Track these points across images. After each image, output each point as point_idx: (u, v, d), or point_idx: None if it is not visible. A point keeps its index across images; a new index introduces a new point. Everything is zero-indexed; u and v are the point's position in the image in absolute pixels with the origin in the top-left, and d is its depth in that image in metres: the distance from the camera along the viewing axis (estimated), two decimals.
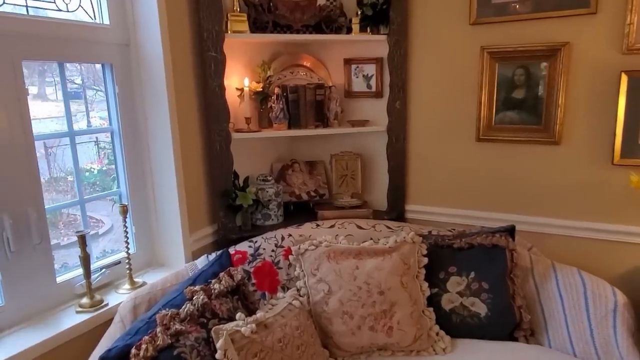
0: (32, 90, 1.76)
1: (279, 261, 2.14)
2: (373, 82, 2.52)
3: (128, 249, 1.95)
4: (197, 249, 2.24)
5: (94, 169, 2.13)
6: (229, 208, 2.29)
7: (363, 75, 2.54)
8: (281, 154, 2.74)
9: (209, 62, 2.15)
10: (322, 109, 2.46)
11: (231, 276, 1.81)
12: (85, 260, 1.78)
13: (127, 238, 1.95)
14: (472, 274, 2.05)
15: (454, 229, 2.33)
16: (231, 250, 2.13)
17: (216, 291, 1.72)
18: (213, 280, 1.76)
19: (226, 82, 2.21)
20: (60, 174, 1.97)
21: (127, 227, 1.94)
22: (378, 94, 2.52)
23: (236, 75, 2.39)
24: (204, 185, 2.28)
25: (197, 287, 1.71)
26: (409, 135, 2.50)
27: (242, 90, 2.39)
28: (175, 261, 2.19)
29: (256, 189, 2.38)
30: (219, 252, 2.01)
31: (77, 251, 1.78)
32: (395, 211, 2.56)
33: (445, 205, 2.50)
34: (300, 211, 2.63)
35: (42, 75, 1.89)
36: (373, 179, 2.64)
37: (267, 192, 2.40)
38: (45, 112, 1.84)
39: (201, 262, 2.06)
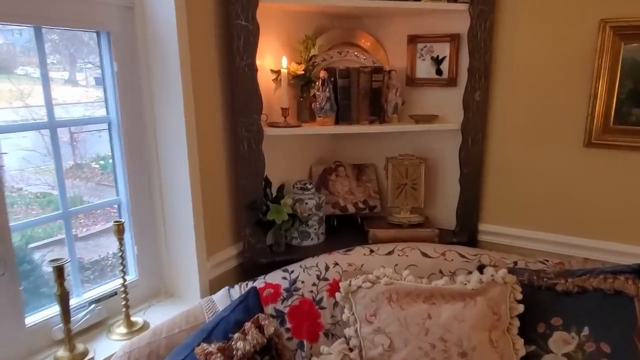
0: None
1: (321, 299, 1.63)
2: (445, 66, 1.96)
3: (125, 280, 1.47)
4: (216, 276, 1.74)
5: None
6: (257, 224, 1.78)
7: (432, 58, 1.98)
8: (322, 155, 2.21)
9: (237, 34, 1.63)
10: (379, 99, 1.92)
11: (260, 328, 1.30)
12: (63, 299, 1.30)
13: (124, 266, 1.46)
14: (586, 331, 1.49)
15: (547, 260, 1.78)
16: (260, 282, 1.63)
17: (239, 353, 1.22)
18: (236, 335, 1.26)
19: (258, 62, 1.70)
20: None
21: (123, 252, 1.45)
22: (451, 82, 1.96)
23: (271, 53, 1.87)
24: (226, 195, 1.78)
25: (213, 347, 1.22)
26: (489, 136, 1.94)
27: (278, 72, 1.87)
28: (188, 292, 1.70)
29: (293, 200, 1.86)
30: (244, 290, 1.52)
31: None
32: (466, 232, 2.01)
33: (532, 227, 1.94)
34: (344, 227, 2.11)
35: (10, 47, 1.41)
36: (438, 190, 2.09)
37: (307, 204, 1.89)
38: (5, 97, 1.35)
39: (221, 298, 1.56)
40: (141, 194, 1.64)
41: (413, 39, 2.00)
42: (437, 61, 1.98)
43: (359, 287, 1.57)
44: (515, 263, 1.79)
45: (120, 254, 1.45)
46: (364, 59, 2.04)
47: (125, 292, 1.47)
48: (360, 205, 2.13)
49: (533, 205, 1.93)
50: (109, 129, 1.57)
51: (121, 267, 1.46)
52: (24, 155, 1.48)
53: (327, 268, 1.69)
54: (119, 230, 1.42)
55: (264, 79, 1.81)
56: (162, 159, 1.63)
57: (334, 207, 2.10)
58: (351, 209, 2.11)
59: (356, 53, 2.05)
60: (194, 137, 1.58)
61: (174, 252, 1.70)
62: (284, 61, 1.80)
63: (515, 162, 1.92)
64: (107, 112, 1.56)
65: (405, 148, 2.07)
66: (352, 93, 1.87)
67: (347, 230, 2.09)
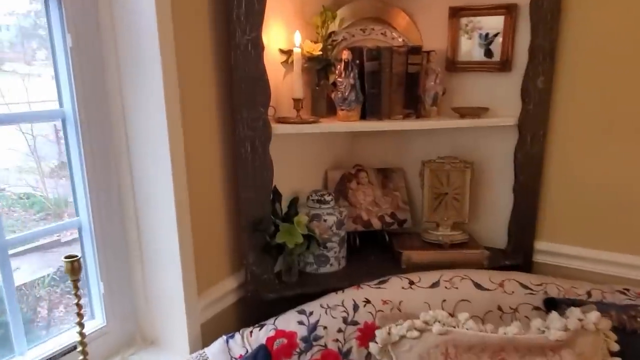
0: None
1: (350, 350, 1.24)
2: (497, 46, 1.57)
3: (82, 334, 1.06)
4: (210, 317, 1.34)
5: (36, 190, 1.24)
6: (264, 249, 1.38)
7: (480, 36, 1.59)
8: (340, 156, 1.81)
9: (237, 0, 1.22)
10: (415, 88, 1.52)
11: None
12: None
13: (81, 316, 1.05)
14: None
15: (627, 290, 1.41)
16: (269, 329, 1.23)
17: None
18: None
19: (265, 39, 1.29)
20: None
21: (79, 296, 1.04)
22: (504, 66, 1.56)
23: (281, 27, 1.46)
24: (223, 212, 1.37)
25: None
26: (552, 134, 1.55)
27: (289, 53, 1.46)
28: (173, 338, 1.29)
29: (308, 216, 1.46)
30: (247, 341, 1.12)
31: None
32: (520, 252, 1.62)
33: (601, 246, 1.56)
34: (368, 246, 1.71)
35: None
36: (485, 200, 1.70)
37: (325, 221, 1.48)
38: None
39: (217, 354, 1.17)
40: (109, 214, 1.22)
41: (456, 12, 1.60)
42: (487, 40, 1.58)
43: (403, 336, 1.17)
44: (589, 294, 1.41)
45: (76, 300, 1.04)
46: (392, 39, 1.64)
47: (83, 349, 1.06)
48: (387, 219, 1.73)
49: (603, 219, 1.54)
50: (63, 126, 1.16)
51: (78, 318, 1.05)
52: None
53: (355, 307, 1.29)
54: (73, 269, 1.01)
55: (271, 62, 1.40)
56: (136, 166, 1.21)
57: (355, 221, 1.71)
58: (376, 224, 1.71)
59: (383, 31, 1.64)
60: (178, 138, 1.17)
61: (154, 289, 1.29)
62: (297, 38, 1.40)
63: (583, 166, 1.53)
64: (60, 104, 1.14)
65: (443, 148, 1.68)
66: (383, 79, 1.47)
67: (371, 250, 1.69)
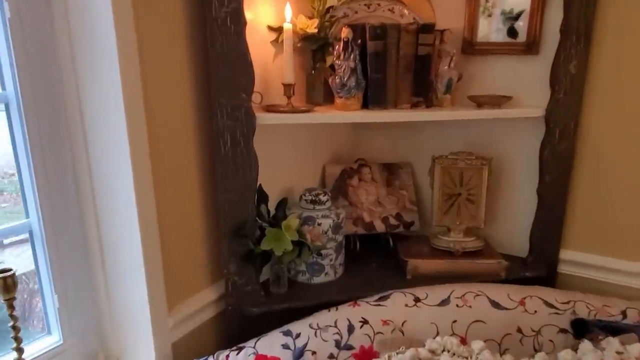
0: None
1: None
2: (522, 24, 1.35)
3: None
4: (183, 335, 1.17)
5: None
6: (247, 258, 1.20)
7: (502, 13, 1.37)
8: (340, 150, 1.62)
9: None
10: (426, 72, 1.31)
11: None
12: None
13: (18, 341, 0.88)
14: None
15: None
16: (248, 353, 1.05)
17: None
18: None
19: (249, 15, 1.10)
20: None
21: (16, 317, 0.87)
22: (531, 48, 1.35)
23: (269, 0, 1.26)
24: (199, 216, 1.19)
25: None
26: (585, 128, 1.34)
27: (279, 31, 1.26)
28: (139, 358, 1.12)
29: (300, 219, 1.27)
30: None
31: None
32: (543, 262, 1.43)
33: (635, 257, 1.35)
34: (370, 251, 1.53)
35: None
36: (504, 202, 1.49)
37: (320, 224, 1.29)
38: None
39: None
40: (64, 216, 1.05)
41: None
42: (510, 17, 1.36)
43: None
44: (624, 314, 1.22)
45: (12, 322, 0.87)
46: (402, 16, 1.43)
47: None
48: (392, 221, 1.54)
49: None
50: (7, 112, 0.98)
51: (15, 343, 0.88)
52: None
53: (351, 329, 1.10)
54: (6, 286, 0.83)
55: (258, 40, 1.21)
56: (95, 161, 1.03)
57: (355, 223, 1.52)
58: (379, 227, 1.52)
59: (391, 7, 1.43)
60: (139, 128, 0.98)
61: (119, 303, 1.11)
62: (288, 13, 1.20)
63: (619, 165, 1.33)
64: (2, 87, 0.96)
65: (457, 143, 1.47)
66: (389, 62, 1.27)
67: (373, 256, 1.50)
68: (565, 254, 1.44)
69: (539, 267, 1.42)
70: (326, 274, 1.33)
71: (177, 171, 1.11)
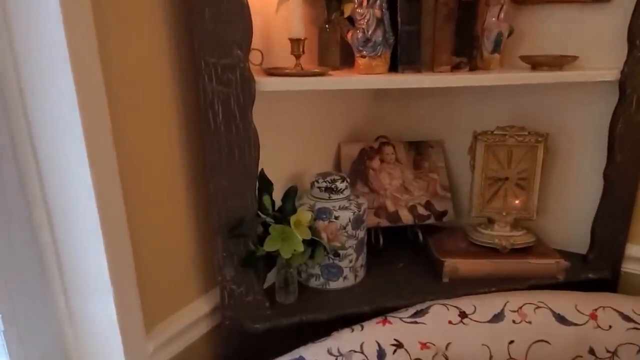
0: None
1: None
2: None
3: None
4: (170, 359, 0.93)
5: None
6: (247, 261, 0.95)
7: None
8: (358, 125, 1.35)
9: None
10: (471, 25, 1.04)
11: None
12: None
13: None
14: None
15: None
16: None
17: None
18: None
19: None
20: None
21: None
22: None
23: None
24: (185, 210, 0.94)
25: None
26: None
27: None
28: None
29: (312, 211, 1.02)
30: None
31: None
32: (607, 260, 1.17)
33: None
34: (394, 246, 1.28)
35: None
36: (560, 188, 1.23)
37: (337, 218, 1.04)
38: None
39: None
40: (6, 219, 0.79)
41: None
42: None
43: None
44: None
45: None
46: None
47: None
48: (421, 210, 1.28)
49: None
50: None
51: None
52: None
53: (381, 355, 0.86)
54: None
55: None
56: (42, 147, 0.77)
57: (377, 214, 1.26)
58: (406, 218, 1.27)
59: None
60: (96, 93, 0.72)
61: (84, 325, 0.87)
62: None
63: None
64: None
65: (501, 116, 1.21)
66: (425, 11, 0.99)
67: (399, 253, 1.26)
68: (631, 251, 1.18)
69: (602, 266, 1.17)
70: (345, 277, 1.09)
71: (153, 153, 0.85)
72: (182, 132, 0.90)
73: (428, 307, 0.93)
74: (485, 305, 0.94)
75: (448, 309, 0.93)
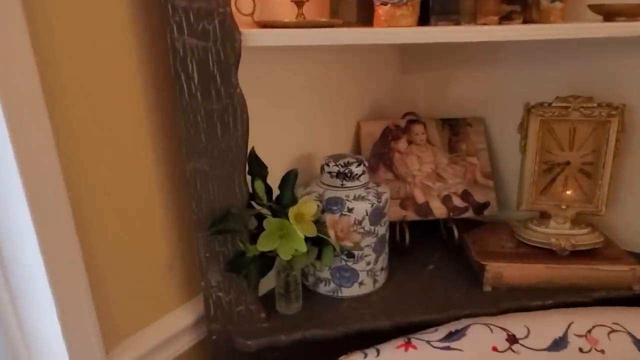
0: None
1: None
2: None
3: None
4: None
5: None
6: (236, 263, 0.76)
7: None
8: (380, 98, 1.14)
9: None
10: None
11: None
12: None
13: None
14: None
15: None
16: None
17: None
18: None
19: None
20: None
21: None
22: None
23: None
24: (157, 199, 0.75)
25: None
26: None
27: None
28: None
29: (320, 202, 0.82)
30: None
31: None
32: None
33: None
34: (424, 243, 1.06)
35: None
36: (635, 174, 0.98)
37: (352, 210, 0.83)
38: None
39: None
40: None
41: None
42: None
43: None
44: None
45: None
46: None
47: None
48: (457, 202, 1.06)
49: None
50: None
51: None
52: None
53: None
54: None
55: None
56: None
57: (403, 205, 1.05)
58: (439, 211, 1.05)
59: None
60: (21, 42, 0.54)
61: (34, 341, 0.70)
62: None
63: None
64: None
65: (562, 85, 0.96)
66: None
67: (429, 253, 1.04)
68: None
69: None
70: (361, 283, 0.88)
71: (111, 131, 0.67)
72: (149, 102, 0.71)
73: (465, 328, 0.72)
74: (541, 326, 0.72)
75: (492, 331, 0.71)
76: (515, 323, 0.72)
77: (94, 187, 0.66)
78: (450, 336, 0.71)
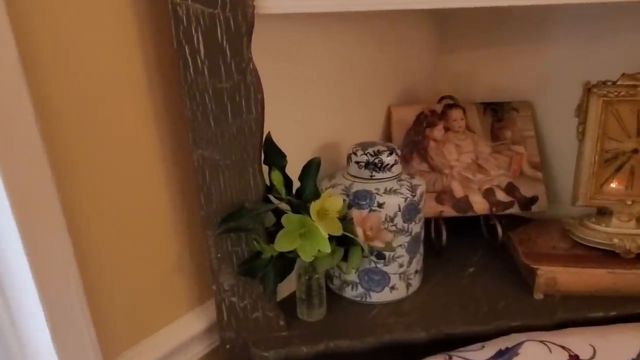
0: None
1: None
2: None
3: None
4: None
5: None
6: (251, 265, 0.67)
7: None
8: (414, 80, 1.03)
9: None
10: None
11: None
12: None
13: None
14: None
15: None
16: None
17: None
18: None
19: None
20: None
21: None
22: None
23: None
24: (162, 196, 0.67)
25: None
26: None
27: None
28: None
29: (347, 195, 0.72)
30: None
31: None
32: None
33: None
34: (462, 241, 0.95)
35: None
36: None
37: (384, 205, 0.73)
38: None
39: None
40: None
41: None
42: None
43: None
44: None
45: None
46: None
47: None
48: (501, 196, 0.94)
49: None
50: None
51: None
52: None
53: None
54: None
55: None
56: None
57: (440, 200, 0.94)
58: (479, 206, 0.93)
59: None
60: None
61: (28, 345, 0.63)
62: None
63: None
64: None
65: (625, 60, 0.83)
66: None
67: (469, 253, 0.93)
68: None
69: None
70: (393, 288, 0.78)
71: (110, 115, 0.58)
72: (151, 81, 0.62)
73: (518, 346, 0.61)
74: (610, 344, 0.61)
75: (550, 350, 0.60)
76: (578, 341, 0.61)
77: (87, 178, 0.58)
78: (501, 355, 0.60)
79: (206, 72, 0.58)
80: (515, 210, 0.94)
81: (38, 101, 0.50)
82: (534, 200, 0.94)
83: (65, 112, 0.54)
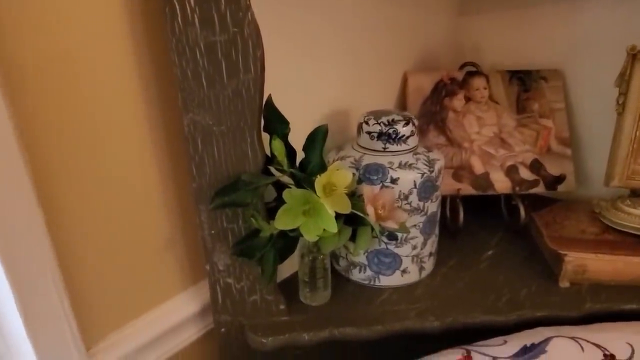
0: None
1: None
2: None
3: None
4: None
5: None
6: (248, 243, 0.60)
7: None
8: (432, 45, 0.93)
9: None
10: None
11: None
12: None
13: None
14: None
15: None
16: None
17: None
18: None
19: None
20: None
21: None
22: None
23: None
24: (150, 166, 0.59)
25: None
26: None
27: None
28: None
29: (357, 169, 0.64)
30: None
31: None
32: None
33: None
34: (481, 222, 0.88)
35: None
36: None
37: (397, 181, 0.65)
38: None
39: None
40: None
41: None
42: None
43: None
44: None
45: None
46: None
47: None
48: (525, 174, 0.86)
49: None
50: None
51: None
52: None
53: None
54: None
55: None
56: None
57: (457, 176, 0.86)
58: (502, 184, 0.86)
59: None
60: None
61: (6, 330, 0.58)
62: None
63: None
64: None
65: None
66: None
67: (488, 235, 0.86)
68: None
69: None
70: (404, 271, 0.71)
71: (86, 66, 0.51)
72: (135, 30, 0.54)
73: (545, 342, 0.54)
74: None
75: (583, 348, 0.53)
76: (614, 338, 0.54)
77: (61, 142, 0.51)
78: (525, 352, 0.53)
79: (197, 23, 0.50)
80: (540, 189, 0.86)
81: (6, 57, 0.43)
82: (560, 179, 0.86)
83: (36, 70, 0.47)
